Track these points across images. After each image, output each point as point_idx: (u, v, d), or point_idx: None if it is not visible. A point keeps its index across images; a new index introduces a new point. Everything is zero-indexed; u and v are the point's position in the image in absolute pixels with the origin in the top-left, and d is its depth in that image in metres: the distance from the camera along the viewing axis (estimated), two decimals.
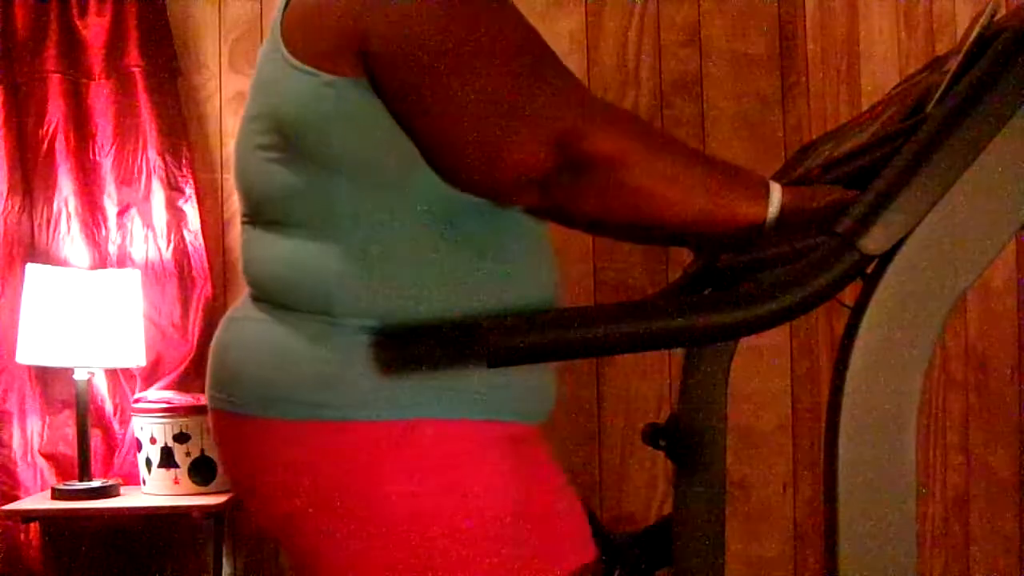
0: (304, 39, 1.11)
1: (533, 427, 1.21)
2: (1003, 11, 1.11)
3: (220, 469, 2.54)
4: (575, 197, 1.08)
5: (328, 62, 1.09)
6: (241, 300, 1.21)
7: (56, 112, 2.71)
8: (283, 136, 1.13)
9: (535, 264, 1.19)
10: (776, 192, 1.07)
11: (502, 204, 1.13)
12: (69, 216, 2.72)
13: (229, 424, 1.17)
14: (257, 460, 1.14)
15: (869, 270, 0.96)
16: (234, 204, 2.79)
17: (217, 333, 1.21)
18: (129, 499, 2.54)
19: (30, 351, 2.55)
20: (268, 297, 1.15)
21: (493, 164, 1.07)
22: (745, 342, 1.31)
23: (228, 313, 1.22)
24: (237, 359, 1.16)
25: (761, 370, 2.76)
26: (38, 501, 2.55)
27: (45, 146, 2.72)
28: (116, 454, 2.71)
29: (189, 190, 2.74)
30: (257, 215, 1.18)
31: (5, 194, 2.69)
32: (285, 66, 1.12)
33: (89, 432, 2.57)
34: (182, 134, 2.76)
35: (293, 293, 1.12)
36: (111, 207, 2.74)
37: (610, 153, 1.05)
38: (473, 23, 1.06)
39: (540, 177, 1.07)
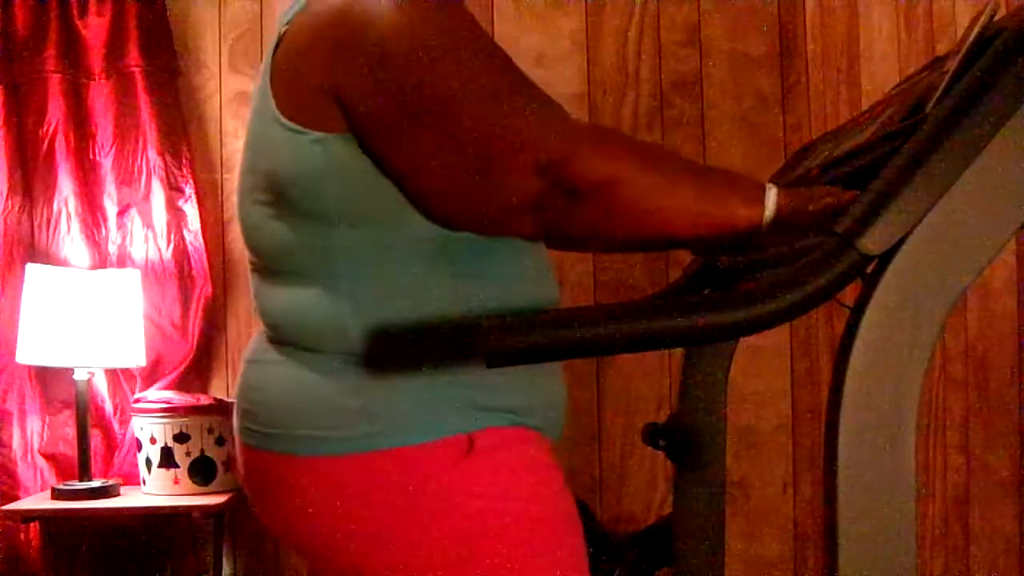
0: (289, 93, 1.12)
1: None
2: (1003, 11, 1.11)
3: (220, 469, 2.54)
4: (573, 221, 1.08)
5: (314, 118, 1.10)
6: (257, 339, 1.22)
7: (56, 112, 2.71)
8: (277, 193, 1.14)
9: (535, 284, 1.19)
10: (772, 193, 1.07)
11: (498, 236, 1.13)
12: (69, 216, 2.71)
13: (270, 464, 1.15)
14: (311, 500, 1.12)
15: (869, 270, 0.96)
16: (234, 204, 2.79)
17: (241, 376, 1.22)
18: (129, 499, 2.54)
19: (30, 351, 2.55)
20: (283, 339, 1.17)
21: (479, 201, 1.08)
22: (745, 342, 1.31)
23: (247, 355, 1.22)
24: (268, 402, 1.16)
25: (761, 370, 2.76)
26: (38, 501, 2.55)
27: (45, 146, 2.71)
28: (116, 454, 2.71)
29: (189, 190, 2.74)
30: (261, 265, 1.20)
31: (5, 194, 2.69)
32: (274, 123, 1.12)
33: (89, 432, 2.57)
34: (182, 134, 2.76)
35: (305, 335, 1.14)
36: (111, 207, 2.74)
37: (601, 174, 1.05)
38: (443, 62, 1.06)
39: (529, 204, 1.07)
